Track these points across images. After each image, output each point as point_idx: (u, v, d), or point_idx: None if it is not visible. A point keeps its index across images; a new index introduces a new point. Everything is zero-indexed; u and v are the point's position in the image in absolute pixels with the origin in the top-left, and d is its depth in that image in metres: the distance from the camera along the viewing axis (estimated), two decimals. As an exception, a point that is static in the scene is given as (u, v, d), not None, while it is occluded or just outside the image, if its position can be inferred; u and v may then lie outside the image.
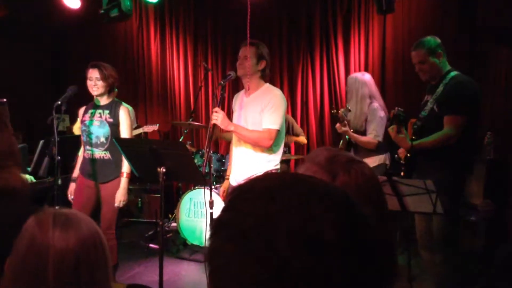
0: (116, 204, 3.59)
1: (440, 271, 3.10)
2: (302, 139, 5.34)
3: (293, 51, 6.02)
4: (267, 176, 0.65)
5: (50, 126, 3.17)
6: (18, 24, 5.91)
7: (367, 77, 3.82)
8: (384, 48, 5.56)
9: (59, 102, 3.26)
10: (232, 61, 5.87)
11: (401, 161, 3.10)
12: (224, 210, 0.63)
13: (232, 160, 3.36)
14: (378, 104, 3.73)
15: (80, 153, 3.76)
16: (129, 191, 3.81)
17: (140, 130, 5.30)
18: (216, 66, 6.37)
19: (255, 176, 0.65)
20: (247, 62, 3.11)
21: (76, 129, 3.66)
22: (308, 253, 0.54)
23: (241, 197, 0.62)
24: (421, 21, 5.29)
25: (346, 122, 3.64)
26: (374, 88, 3.81)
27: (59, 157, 3.70)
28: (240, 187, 0.64)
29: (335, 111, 5.67)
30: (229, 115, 3.43)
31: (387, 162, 3.78)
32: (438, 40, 3.10)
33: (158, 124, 5.54)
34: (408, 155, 3.05)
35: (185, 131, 5.47)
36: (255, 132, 3.08)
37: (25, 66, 5.92)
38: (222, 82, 3.08)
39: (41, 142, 4.65)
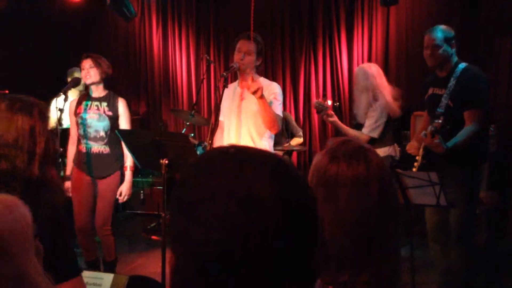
0: (120, 199, 3.55)
1: (447, 264, 3.09)
2: (298, 140, 5.25)
3: (296, 43, 5.98)
4: (212, 150, 0.76)
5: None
6: (18, 15, 5.88)
7: (373, 69, 3.70)
8: (387, 40, 5.52)
9: (61, 93, 3.24)
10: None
11: (416, 157, 2.93)
12: (176, 187, 0.72)
13: None
14: (385, 101, 3.61)
15: (71, 148, 3.60)
16: (132, 184, 3.78)
17: None
18: (219, 59, 6.34)
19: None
20: (249, 57, 3.10)
21: (72, 122, 3.53)
22: (245, 211, 0.63)
23: (189, 173, 0.72)
24: (424, 13, 5.25)
25: (331, 112, 3.61)
26: (379, 81, 3.66)
27: (61, 149, 3.68)
28: (189, 164, 0.74)
29: (338, 103, 5.65)
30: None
31: (393, 154, 3.72)
32: (453, 32, 3.00)
33: None
34: (423, 152, 2.90)
35: (187, 123, 5.45)
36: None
37: (26, 57, 5.89)
38: (224, 74, 3.05)
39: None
